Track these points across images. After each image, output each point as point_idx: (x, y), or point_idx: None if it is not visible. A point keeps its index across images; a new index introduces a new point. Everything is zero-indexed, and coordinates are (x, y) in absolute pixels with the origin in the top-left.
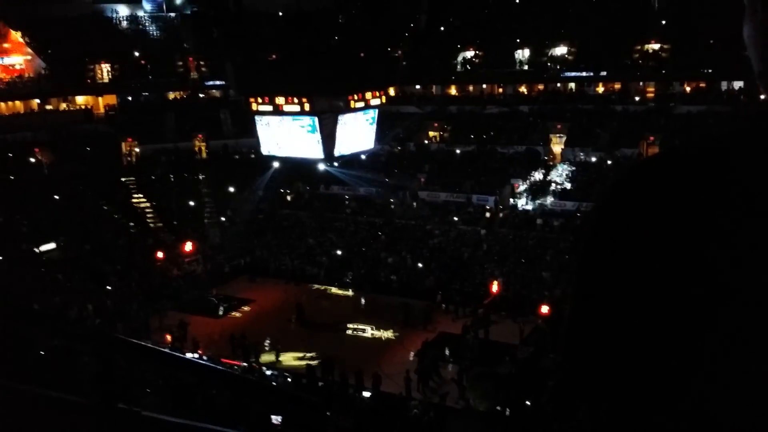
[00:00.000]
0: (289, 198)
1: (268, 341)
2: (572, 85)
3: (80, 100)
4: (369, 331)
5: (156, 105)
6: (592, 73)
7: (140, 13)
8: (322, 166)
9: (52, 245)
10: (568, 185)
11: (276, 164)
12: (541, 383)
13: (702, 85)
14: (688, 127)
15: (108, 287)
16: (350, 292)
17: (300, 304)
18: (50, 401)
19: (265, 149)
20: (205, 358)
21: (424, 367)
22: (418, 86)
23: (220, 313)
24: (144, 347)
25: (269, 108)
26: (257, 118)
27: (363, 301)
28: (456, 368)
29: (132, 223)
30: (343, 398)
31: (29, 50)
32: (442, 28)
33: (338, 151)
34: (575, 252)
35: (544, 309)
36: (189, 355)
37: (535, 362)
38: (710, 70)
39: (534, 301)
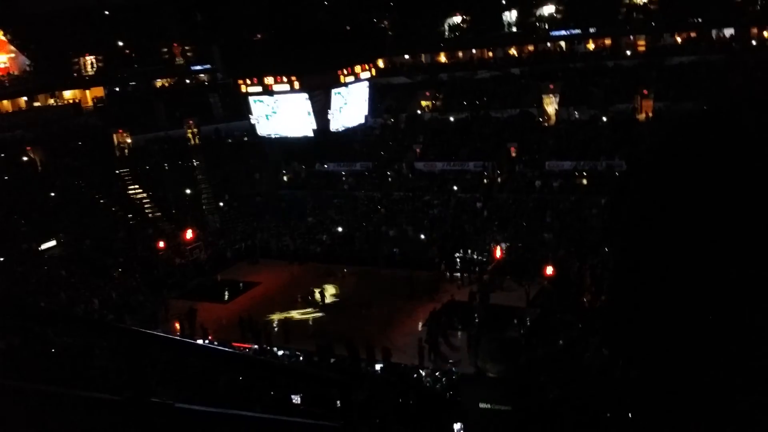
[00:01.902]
0: (286, 178)
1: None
2: (562, 43)
3: (68, 94)
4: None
5: (144, 94)
6: (581, 31)
7: None
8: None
9: (52, 242)
10: None
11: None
12: (550, 344)
13: (693, 34)
14: (681, 78)
15: (112, 280)
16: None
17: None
18: (81, 401)
19: (262, 130)
20: (215, 343)
21: (433, 336)
22: (407, 56)
23: (226, 298)
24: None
25: (259, 89)
26: (251, 99)
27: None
28: (465, 335)
29: (130, 215)
30: (355, 373)
31: (12, 48)
32: None
33: (332, 126)
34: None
35: (549, 270)
36: (199, 342)
37: (543, 323)
38: (699, 19)
39: (538, 263)
